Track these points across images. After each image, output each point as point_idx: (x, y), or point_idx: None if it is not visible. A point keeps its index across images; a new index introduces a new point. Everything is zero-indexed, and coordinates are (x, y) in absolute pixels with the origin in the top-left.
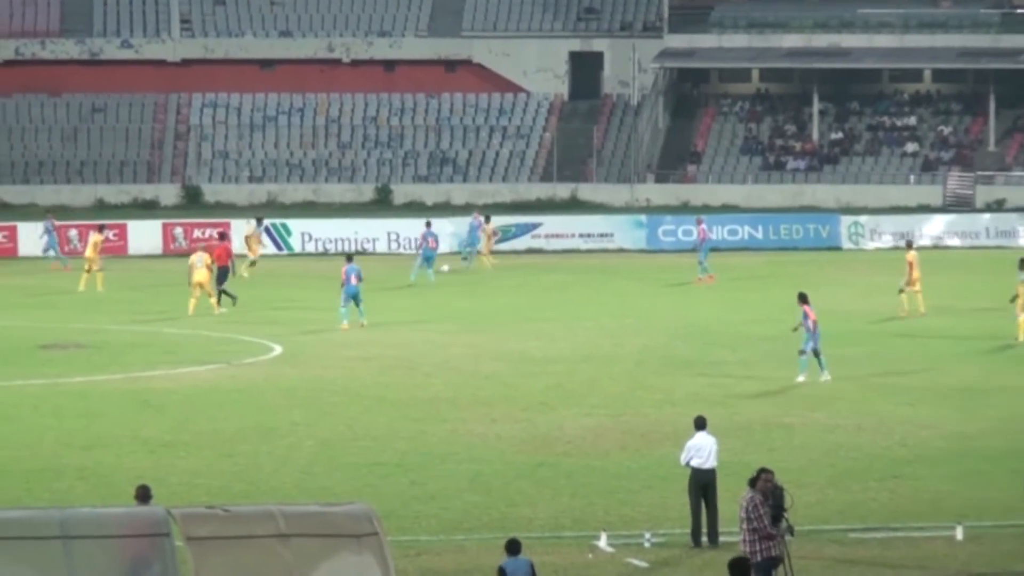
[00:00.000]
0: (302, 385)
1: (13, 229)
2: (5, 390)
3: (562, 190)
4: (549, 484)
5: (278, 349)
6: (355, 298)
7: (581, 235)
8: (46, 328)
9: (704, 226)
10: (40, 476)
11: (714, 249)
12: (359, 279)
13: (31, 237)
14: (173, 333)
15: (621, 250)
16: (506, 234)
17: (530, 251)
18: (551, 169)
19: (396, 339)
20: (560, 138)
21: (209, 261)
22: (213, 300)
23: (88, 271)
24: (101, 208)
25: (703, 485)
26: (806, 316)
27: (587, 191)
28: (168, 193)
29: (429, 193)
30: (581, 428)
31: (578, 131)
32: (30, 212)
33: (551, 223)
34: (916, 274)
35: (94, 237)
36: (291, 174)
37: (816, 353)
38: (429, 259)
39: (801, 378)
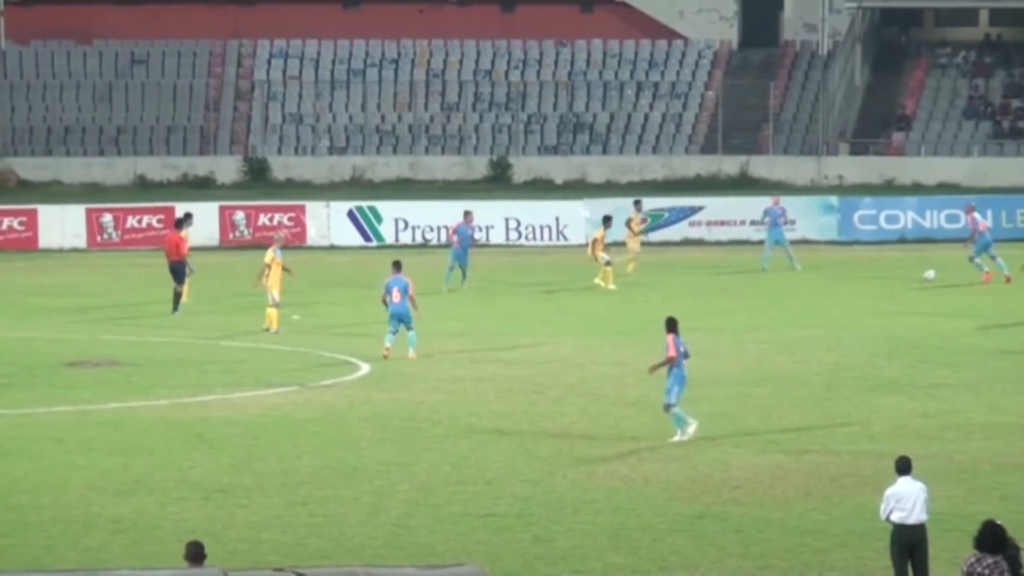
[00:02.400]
0: (396, 413)
1: (33, 214)
2: (23, 419)
3: (729, 164)
4: (713, 541)
5: (365, 368)
6: (403, 320)
7: (753, 222)
8: (73, 340)
9: (976, 214)
10: (66, 528)
11: (928, 240)
12: (406, 295)
13: (54, 225)
14: (233, 347)
15: (805, 241)
16: (656, 220)
17: (687, 242)
18: (715, 138)
19: (516, 355)
20: (727, 98)
21: (280, 259)
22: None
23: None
24: (142, 186)
25: (909, 544)
26: None
27: (761, 165)
28: (226, 168)
29: (558, 168)
30: (754, 469)
31: (750, 89)
32: (53, 192)
33: (715, 206)
34: None
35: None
36: (382, 144)
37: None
38: (460, 258)
39: None
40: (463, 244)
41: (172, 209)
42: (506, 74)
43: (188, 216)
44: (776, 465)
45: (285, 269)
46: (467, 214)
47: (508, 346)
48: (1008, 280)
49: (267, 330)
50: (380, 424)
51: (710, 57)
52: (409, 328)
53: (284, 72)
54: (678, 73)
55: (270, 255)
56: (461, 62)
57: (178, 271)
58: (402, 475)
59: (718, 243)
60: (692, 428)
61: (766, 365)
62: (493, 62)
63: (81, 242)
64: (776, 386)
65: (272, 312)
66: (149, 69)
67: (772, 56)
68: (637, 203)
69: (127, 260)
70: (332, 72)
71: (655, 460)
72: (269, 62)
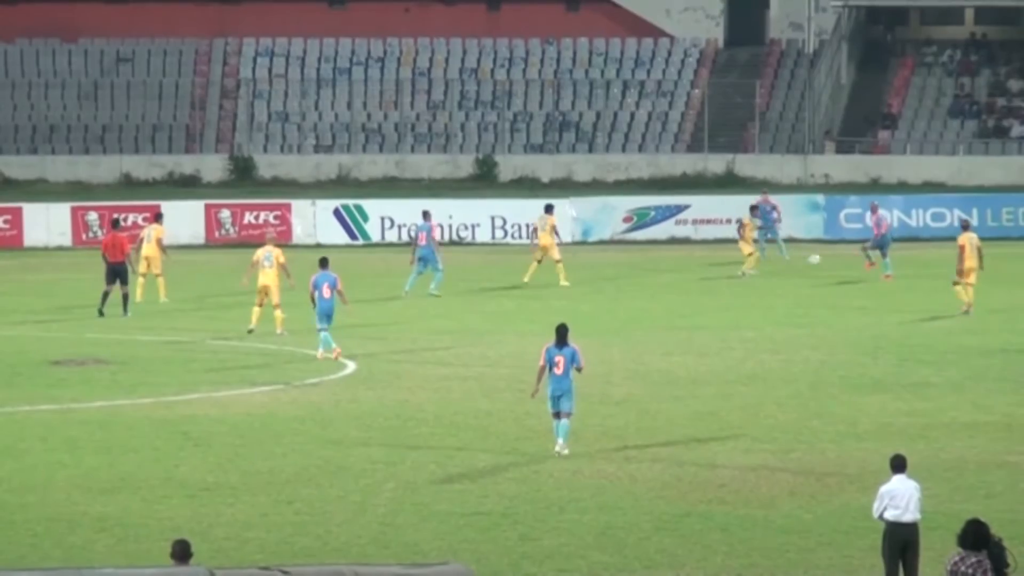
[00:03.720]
0: (381, 412)
1: (18, 212)
2: (7, 418)
3: (715, 163)
4: (699, 540)
5: (351, 366)
6: (330, 317)
7: (739, 220)
8: (59, 338)
9: (882, 212)
10: (51, 527)
11: (913, 239)
12: (335, 290)
13: (39, 222)
14: (218, 346)
15: (791, 239)
16: (642, 219)
17: (673, 240)
18: (701, 136)
19: (502, 353)
20: (713, 96)
21: (283, 259)
22: (279, 313)
23: (144, 275)
24: (128, 185)
25: (902, 542)
26: None
27: (747, 164)
28: (212, 166)
29: (544, 166)
30: (739, 468)
31: (736, 87)
32: (38, 190)
33: (701, 205)
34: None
35: (155, 231)
36: (368, 142)
37: None
38: (425, 260)
39: None
40: (429, 245)
41: (157, 207)
42: (492, 72)
43: (159, 216)
44: (761, 464)
45: (284, 270)
46: (426, 214)
47: (494, 345)
48: (888, 278)
49: (280, 334)
50: (366, 423)
51: (696, 55)
52: (327, 324)
53: (270, 70)
54: (664, 71)
55: (260, 254)
56: (447, 60)
57: (121, 272)
58: (388, 474)
59: (704, 241)
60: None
61: (751, 364)
62: (479, 60)
63: (67, 240)
64: (761, 385)
65: (277, 315)
66: (135, 67)
67: (758, 55)
68: (549, 208)
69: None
70: (318, 70)
71: (641, 459)
72: (255, 60)
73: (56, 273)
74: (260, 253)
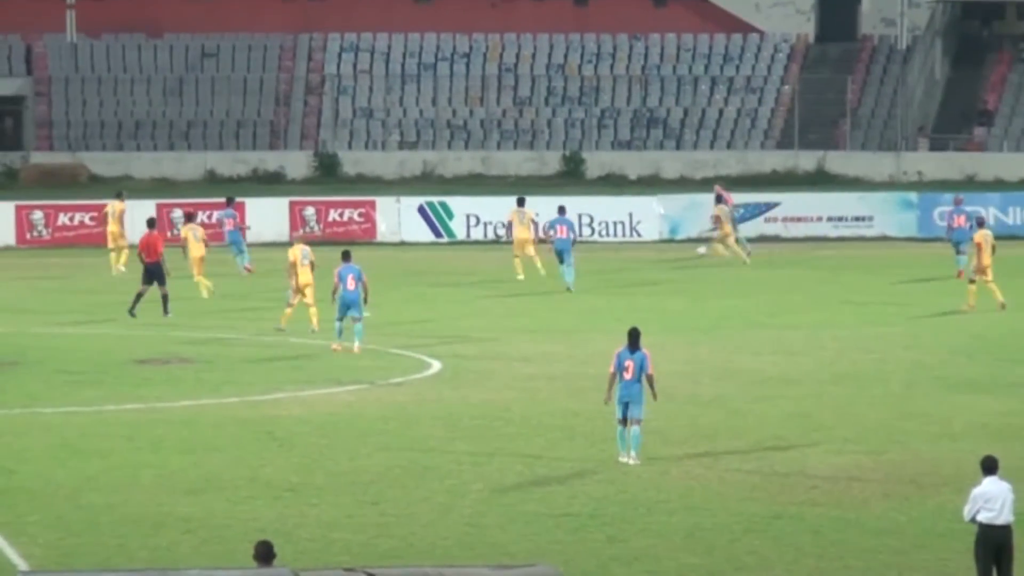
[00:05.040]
0: (467, 412)
1: (103, 209)
2: (93, 417)
3: (806, 160)
4: (789, 542)
5: (436, 365)
6: (352, 309)
7: (830, 218)
8: (143, 337)
9: (961, 209)
10: (136, 527)
11: (1011, 237)
12: (360, 282)
13: (125, 219)
14: (302, 344)
15: (884, 238)
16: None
17: (763, 238)
18: (791, 133)
19: (590, 351)
20: (804, 92)
21: (313, 257)
22: (314, 310)
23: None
24: (212, 181)
25: (995, 546)
26: None
27: (838, 161)
28: (296, 163)
29: (631, 163)
30: (831, 469)
31: (827, 83)
32: (124, 187)
33: (791, 203)
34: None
35: (198, 232)
36: (453, 139)
37: None
38: (562, 253)
39: None
40: (568, 238)
41: (243, 205)
42: (579, 68)
43: (191, 215)
44: (854, 465)
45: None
46: (562, 208)
47: (580, 344)
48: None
49: (312, 332)
50: (451, 423)
51: (786, 51)
52: (357, 319)
53: (355, 66)
54: (753, 67)
55: (297, 254)
56: (534, 56)
57: (156, 272)
58: (474, 474)
59: (794, 240)
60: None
61: (843, 363)
62: (566, 56)
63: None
64: (853, 384)
65: (288, 312)
66: (219, 63)
67: (850, 50)
68: (521, 201)
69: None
70: (403, 66)
71: (730, 459)
72: (340, 56)
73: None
74: (296, 252)
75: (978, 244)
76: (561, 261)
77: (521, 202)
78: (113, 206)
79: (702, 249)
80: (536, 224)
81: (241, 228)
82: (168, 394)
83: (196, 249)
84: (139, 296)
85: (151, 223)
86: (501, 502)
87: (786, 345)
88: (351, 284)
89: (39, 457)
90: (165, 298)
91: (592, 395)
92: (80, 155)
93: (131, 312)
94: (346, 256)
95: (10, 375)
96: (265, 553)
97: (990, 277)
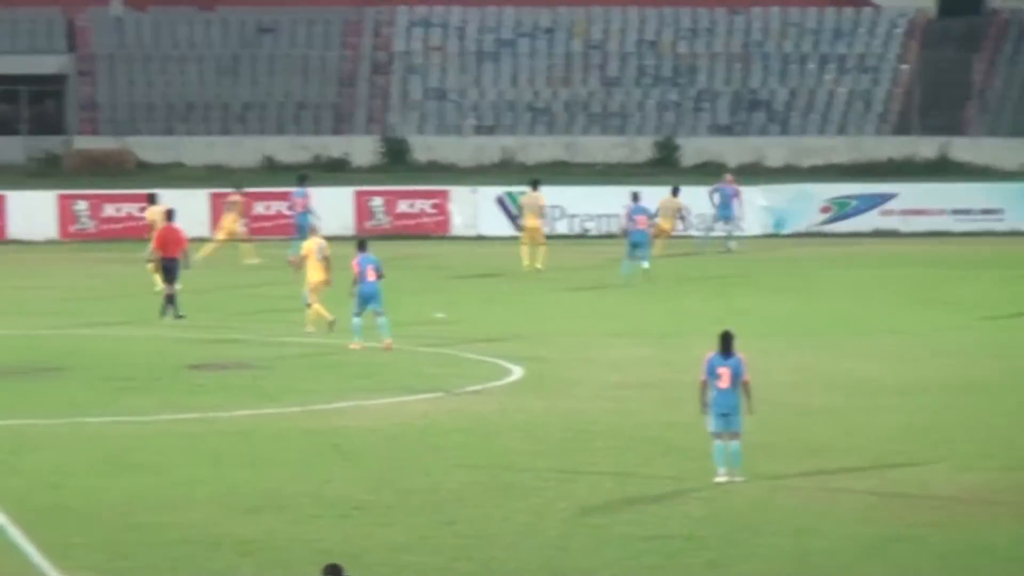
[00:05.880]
0: (552, 423)
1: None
2: (143, 427)
3: (927, 147)
4: (910, 567)
5: (517, 372)
6: (372, 303)
7: (955, 211)
8: (196, 339)
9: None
10: (191, 549)
11: None
12: (379, 275)
13: (176, 210)
14: (370, 349)
15: (1014, 232)
16: (843, 209)
17: (878, 233)
18: (910, 117)
19: (685, 357)
20: (925, 73)
21: (328, 252)
22: (319, 308)
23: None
24: (270, 168)
25: None
26: None
27: (963, 148)
28: (362, 148)
29: (731, 150)
30: (957, 487)
31: (951, 63)
32: (174, 175)
33: (910, 193)
34: None
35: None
36: (535, 123)
37: None
38: (638, 245)
39: None
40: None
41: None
42: (673, 45)
43: (170, 211)
44: (984, 483)
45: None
46: (636, 195)
47: (675, 348)
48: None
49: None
50: (535, 435)
51: (904, 27)
52: (379, 314)
53: (426, 42)
54: (867, 45)
55: (313, 247)
56: (623, 32)
57: (172, 269)
58: (559, 492)
59: (913, 234)
60: None
61: (970, 371)
62: (659, 32)
63: (205, 230)
64: (981, 394)
65: (310, 312)
66: (278, 39)
67: (976, 26)
68: (535, 183)
69: (257, 252)
70: (479, 42)
71: (843, 476)
72: (409, 31)
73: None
74: (312, 245)
75: None
76: (634, 254)
77: (535, 184)
78: (232, 199)
79: (733, 244)
80: (544, 212)
81: (311, 213)
82: (225, 402)
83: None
84: (170, 299)
85: (170, 215)
86: (589, 523)
87: (905, 351)
88: (371, 275)
89: (85, 471)
90: (172, 297)
91: (689, 406)
92: (127, 140)
93: (177, 316)
94: (362, 246)
95: (54, 381)
96: None
97: None
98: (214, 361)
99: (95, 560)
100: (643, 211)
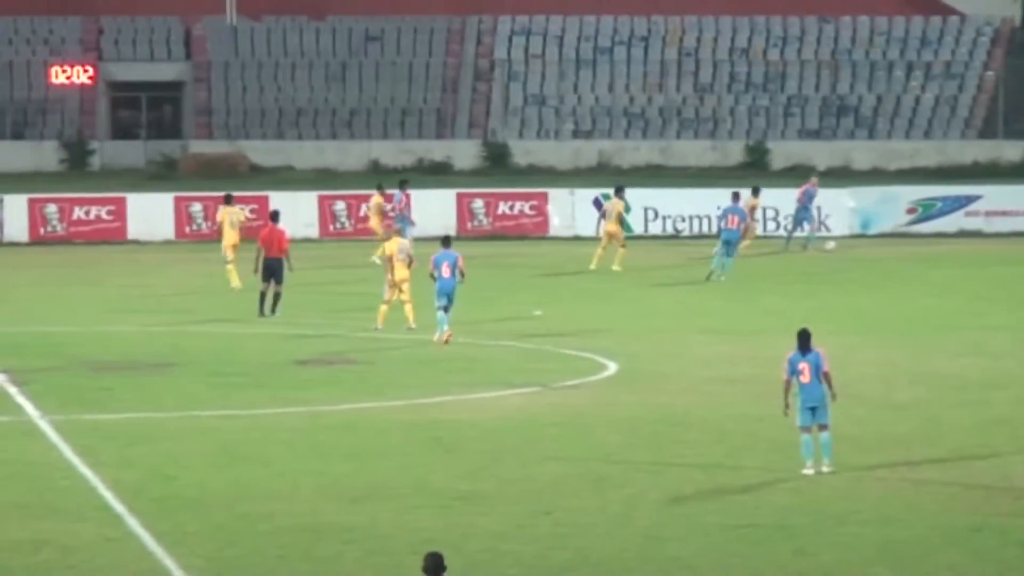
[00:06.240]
0: (645, 416)
1: (263, 201)
2: (252, 421)
3: (1011, 150)
4: (993, 556)
5: (612, 367)
6: (450, 297)
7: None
8: (303, 336)
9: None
10: (297, 537)
11: None
12: (458, 272)
13: (286, 213)
14: (470, 344)
15: None
16: (928, 210)
17: (963, 233)
18: (994, 121)
19: (773, 354)
20: (1009, 79)
21: (411, 251)
22: (409, 307)
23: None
24: (376, 172)
25: None
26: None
27: None
28: (464, 152)
29: (820, 154)
30: None
31: None
32: (284, 178)
33: (995, 195)
34: None
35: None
36: (630, 128)
37: None
38: (730, 243)
39: None
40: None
41: (408, 196)
42: (764, 53)
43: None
44: None
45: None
46: (736, 195)
47: (764, 345)
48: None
49: (408, 329)
50: (628, 428)
51: (990, 34)
52: (446, 308)
53: (526, 50)
54: (953, 52)
55: (393, 248)
56: (716, 40)
57: (277, 269)
58: (651, 483)
59: (998, 235)
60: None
61: None
62: (750, 40)
63: (313, 232)
64: None
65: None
66: (384, 47)
67: None
68: (619, 190)
69: (360, 251)
70: (577, 50)
71: (927, 468)
72: (510, 40)
73: (302, 267)
74: (393, 246)
75: None
76: (724, 252)
77: (619, 191)
78: (375, 199)
79: (831, 244)
80: (624, 218)
81: (406, 217)
82: (330, 396)
83: (229, 236)
84: (263, 296)
85: (274, 216)
86: (680, 513)
87: (988, 347)
88: (446, 272)
89: (198, 463)
90: (277, 296)
91: (776, 401)
92: (240, 144)
93: (269, 313)
94: (446, 242)
95: (167, 376)
96: (435, 566)
97: None
98: (319, 357)
99: (206, 548)
100: (737, 211)
